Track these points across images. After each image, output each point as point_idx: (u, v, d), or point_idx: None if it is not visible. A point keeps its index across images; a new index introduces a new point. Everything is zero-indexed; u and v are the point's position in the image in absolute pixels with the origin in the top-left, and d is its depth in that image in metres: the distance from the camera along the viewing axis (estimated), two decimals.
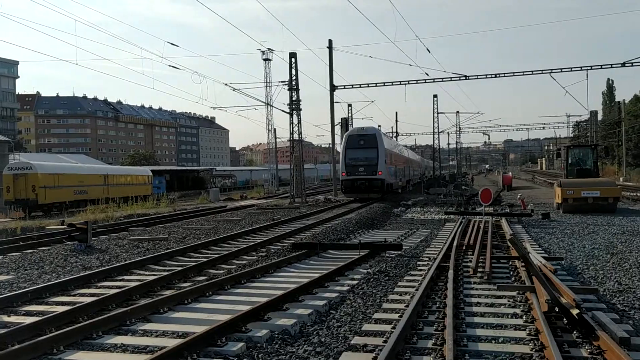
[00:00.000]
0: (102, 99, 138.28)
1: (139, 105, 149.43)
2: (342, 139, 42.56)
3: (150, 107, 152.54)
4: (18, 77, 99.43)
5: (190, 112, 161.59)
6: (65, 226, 16.79)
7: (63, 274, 9.98)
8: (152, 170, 52.28)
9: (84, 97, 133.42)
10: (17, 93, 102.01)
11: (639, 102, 64.41)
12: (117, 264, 10.52)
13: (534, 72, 34.75)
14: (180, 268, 9.99)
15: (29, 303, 7.72)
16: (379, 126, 73.20)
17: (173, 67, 27.52)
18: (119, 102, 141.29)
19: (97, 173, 40.51)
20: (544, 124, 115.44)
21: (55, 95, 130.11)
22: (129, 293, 7.87)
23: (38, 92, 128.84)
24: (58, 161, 49.53)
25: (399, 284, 8.67)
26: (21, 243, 14.03)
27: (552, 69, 33.36)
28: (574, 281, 8.57)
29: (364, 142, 30.29)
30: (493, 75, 35.86)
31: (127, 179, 44.38)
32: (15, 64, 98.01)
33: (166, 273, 9.47)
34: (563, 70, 33.61)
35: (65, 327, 6.04)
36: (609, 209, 20.35)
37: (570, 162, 23.62)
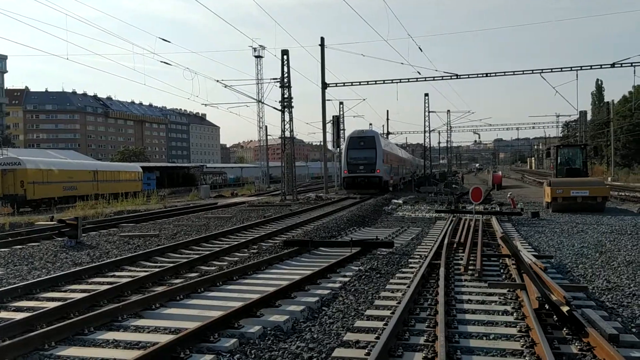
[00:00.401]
0: (92, 94, 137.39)
1: (129, 101, 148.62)
2: (333, 137, 43.11)
3: (141, 103, 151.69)
4: (6, 71, 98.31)
5: (181, 109, 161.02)
6: (54, 222, 16.68)
7: (53, 270, 9.92)
8: (142, 167, 51.96)
9: (74, 93, 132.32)
10: (5, 88, 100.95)
11: (628, 102, 65.01)
12: (108, 260, 10.47)
13: (524, 72, 34.97)
14: (171, 264, 9.96)
15: (20, 299, 7.67)
16: (370, 124, 73.43)
17: (165, 63, 27.57)
18: (109, 98, 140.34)
19: (86, 169, 40.21)
20: (534, 123, 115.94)
21: (44, 90, 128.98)
22: (120, 289, 7.84)
23: (27, 87, 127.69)
24: (47, 157, 49.12)
25: (391, 281, 8.71)
26: (10, 239, 13.91)
27: (542, 69, 33.60)
28: (563, 279, 8.66)
29: (363, 143, 33.72)
30: (484, 75, 36.05)
31: (117, 175, 44.10)
32: (3, 58, 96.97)
33: (157, 269, 9.45)
34: (553, 70, 33.85)
35: (57, 323, 6.01)
36: (598, 208, 20.55)
37: (559, 161, 23.81)
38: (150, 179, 56.32)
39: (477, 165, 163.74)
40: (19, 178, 31.77)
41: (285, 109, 31.83)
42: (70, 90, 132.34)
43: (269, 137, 63.23)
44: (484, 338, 5.68)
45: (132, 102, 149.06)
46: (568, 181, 21.51)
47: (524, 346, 5.34)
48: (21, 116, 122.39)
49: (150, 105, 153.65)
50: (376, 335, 5.72)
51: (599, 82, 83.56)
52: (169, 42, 26.81)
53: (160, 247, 12.16)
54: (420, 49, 33.91)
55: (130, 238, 14.18)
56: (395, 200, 28.16)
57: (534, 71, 34.22)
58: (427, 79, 36.43)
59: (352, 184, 33.66)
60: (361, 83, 38.09)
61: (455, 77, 35.45)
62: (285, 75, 31.59)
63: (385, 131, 64.07)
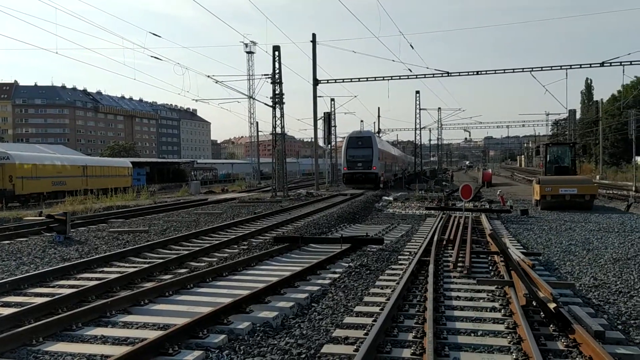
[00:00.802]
0: (82, 89, 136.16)
1: (119, 95, 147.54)
2: (324, 134, 43.43)
3: (131, 98, 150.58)
4: None
5: (171, 104, 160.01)
6: (43, 217, 16.55)
7: (41, 265, 9.86)
8: (132, 162, 51.67)
9: (63, 87, 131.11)
10: None
11: (616, 101, 65.50)
12: (97, 256, 10.41)
13: (515, 70, 35.20)
14: (161, 260, 9.93)
15: (7, 294, 7.62)
16: (362, 121, 73.49)
17: (155, 57, 27.26)
18: (99, 93, 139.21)
19: (75, 164, 39.91)
20: (524, 121, 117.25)
21: (33, 84, 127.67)
22: (109, 285, 7.81)
23: (16, 81, 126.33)
24: (36, 151, 48.67)
25: (380, 277, 8.74)
26: None
27: (532, 68, 33.85)
28: (551, 276, 8.73)
29: (361, 142, 37.18)
30: (475, 72, 36.20)
31: (106, 170, 43.81)
32: None
33: (147, 265, 9.41)
34: (543, 69, 34.08)
35: (45, 319, 5.97)
36: (586, 206, 20.72)
37: (548, 159, 23.97)
38: (140, 175, 56.01)
39: (467, 162, 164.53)
40: (7, 173, 31.47)
41: (277, 105, 31.77)
42: (60, 85, 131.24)
43: (260, 133, 63.11)
44: (472, 334, 5.72)
45: (122, 97, 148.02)
46: (557, 179, 21.66)
47: (511, 342, 5.39)
48: (10, 110, 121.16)
49: (141, 100, 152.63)
50: (365, 331, 5.74)
51: (589, 81, 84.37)
52: (160, 36, 26.70)
53: (149, 243, 12.12)
54: (412, 47, 34.07)
55: (119, 234, 14.11)
56: (386, 197, 28.23)
57: (525, 69, 34.46)
58: (418, 76, 36.56)
59: (351, 179, 37.23)
60: (352, 80, 38.22)
61: (447, 74, 35.59)
62: (277, 71, 31.52)
63: (377, 128, 64.15)
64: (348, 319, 6.32)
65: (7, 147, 45.74)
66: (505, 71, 35.59)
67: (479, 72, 36.06)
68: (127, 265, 10.04)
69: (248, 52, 60.94)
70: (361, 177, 36.83)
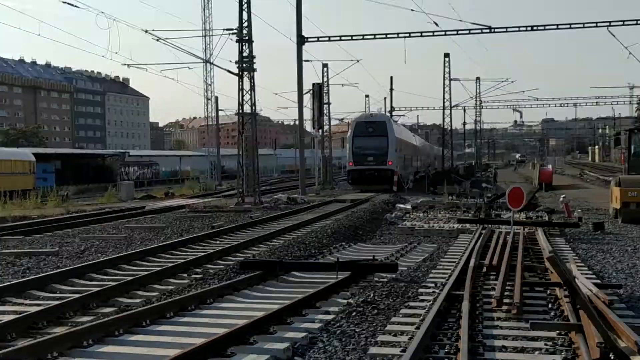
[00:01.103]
0: None
1: (17, 59, 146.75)
2: (312, 114, 43.37)
3: (34, 62, 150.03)
4: None
5: (92, 71, 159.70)
6: None
7: None
8: (35, 154, 51.46)
9: None
10: None
11: None
12: None
13: (585, 25, 35.32)
14: (77, 295, 9.89)
15: None
16: (367, 96, 73.88)
17: (69, 4, 27.09)
18: None
19: None
20: (598, 97, 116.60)
21: None
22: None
23: None
24: None
25: (393, 320, 8.75)
26: None
27: (610, 22, 33.90)
28: (635, 317, 8.77)
29: (373, 129, 38.86)
30: (528, 28, 36.34)
31: None
32: None
33: (56, 302, 9.37)
34: (625, 23, 34.14)
35: None
36: None
37: (634, 151, 24.10)
38: (47, 172, 55.76)
39: (517, 156, 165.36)
40: None
41: (245, 73, 31.73)
42: None
43: (220, 112, 63.07)
44: None
45: (21, 61, 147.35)
46: None
47: None
48: None
49: (48, 66, 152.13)
50: None
51: None
52: None
53: (60, 270, 12.10)
54: None
55: (16, 257, 14.04)
56: (402, 205, 28.31)
57: (599, 24, 34.56)
58: (447, 32, 36.57)
59: (359, 179, 38.82)
60: (353, 37, 38.18)
61: (488, 30, 35.72)
62: (245, 24, 31.47)
63: (388, 107, 64.44)
64: None
65: None
66: (572, 26, 35.79)
67: (535, 28, 36.23)
68: (27, 302, 9.98)
69: None
70: (373, 174, 37.96)
